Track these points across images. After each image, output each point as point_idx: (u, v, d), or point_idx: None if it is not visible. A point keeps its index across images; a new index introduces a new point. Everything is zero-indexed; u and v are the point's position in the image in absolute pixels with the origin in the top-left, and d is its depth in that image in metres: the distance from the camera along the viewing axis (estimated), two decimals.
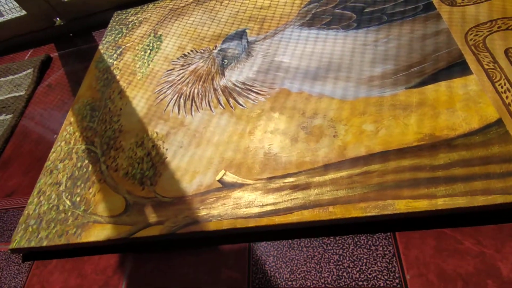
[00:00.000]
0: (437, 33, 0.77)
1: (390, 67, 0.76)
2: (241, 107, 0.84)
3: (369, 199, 0.59)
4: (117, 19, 1.37)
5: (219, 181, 0.73)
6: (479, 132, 0.60)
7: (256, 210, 0.65)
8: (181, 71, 1.02)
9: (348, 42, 0.85)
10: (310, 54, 0.87)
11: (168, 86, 1.00)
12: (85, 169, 0.89)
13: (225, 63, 0.97)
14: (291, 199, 0.64)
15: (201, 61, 1.02)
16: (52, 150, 0.99)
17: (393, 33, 0.82)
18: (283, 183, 0.67)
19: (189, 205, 0.71)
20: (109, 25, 1.35)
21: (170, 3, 1.29)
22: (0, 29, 1.53)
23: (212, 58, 1.01)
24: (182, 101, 0.94)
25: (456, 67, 0.70)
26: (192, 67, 1.01)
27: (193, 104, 0.91)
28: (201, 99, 0.91)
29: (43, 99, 1.27)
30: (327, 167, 0.66)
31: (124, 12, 1.38)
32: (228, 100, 0.87)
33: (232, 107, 0.85)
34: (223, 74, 0.95)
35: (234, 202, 0.68)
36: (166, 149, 0.84)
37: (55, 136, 1.09)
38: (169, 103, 0.95)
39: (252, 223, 0.63)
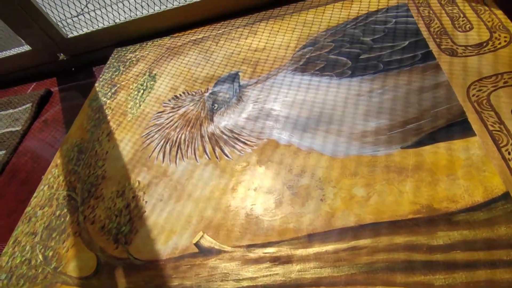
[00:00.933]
0: (436, 86, 0.71)
1: (384, 121, 0.70)
2: (226, 158, 0.79)
3: (357, 282, 0.52)
4: (116, 56, 1.38)
5: (195, 244, 0.67)
6: (483, 207, 0.53)
7: (231, 285, 0.58)
8: (170, 114, 0.99)
9: (341, 92, 0.80)
10: (301, 102, 0.82)
11: (156, 129, 0.96)
12: (62, 219, 0.85)
13: (215, 108, 0.94)
14: (270, 275, 0.57)
15: (192, 104, 0.99)
16: (35, 194, 0.96)
17: (389, 83, 0.77)
18: (263, 253, 0.60)
19: (161, 271, 0.65)
20: (108, 62, 1.36)
21: (168, 42, 1.29)
22: (5, 63, 1.57)
23: (202, 102, 0.97)
24: (168, 147, 0.90)
25: (456, 126, 0.63)
26: (182, 110, 0.98)
27: (179, 151, 0.87)
28: (187, 146, 0.87)
29: (38, 135, 1.27)
30: (311, 238, 0.59)
31: (124, 49, 1.39)
32: (214, 149, 0.83)
33: (217, 158, 0.80)
34: (212, 119, 0.91)
35: (209, 272, 0.61)
36: (146, 202, 0.79)
37: (42, 177, 1.06)
38: (155, 148, 0.91)
39: None
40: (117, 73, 1.27)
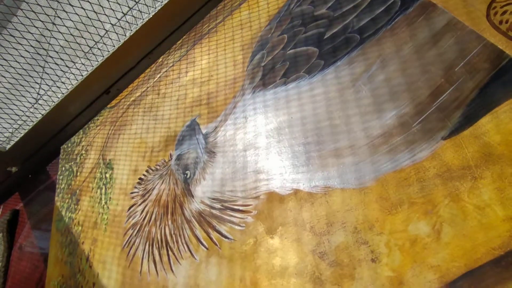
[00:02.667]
0: (441, 32, 0.51)
1: (401, 108, 0.50)
2: (227, 240, 0.60)
3: None
4: (64, 156, 1.18)
5: None
6: None
7: None
8: (142, 206, 0.80)
9: (321, 92, 0.60)
10: (277, 128, 0.63)
11: (135, 232, 0.77)
12: None
13: (188, 176, 0.74)
14: None
15: (161, 182, 0.79)
16: None
17: (373, 55, 0.56)
18: None
19: None
20: (59, 166, 1.17)
21: (108, 115, 1.10)
22: None
23: (170, 175, 0.78)
24: (155, 251, 0.70)
25: (505, 75, 0.43)
26: (153, 195, 0.79)
27: (169, 252, 0.68)
28: (177, 242, 0.68)
29: (17, 267, 1.10)
30: None
31: (69, 143, 1.20)
32: (208, 234, 0.63)
33: (216, 245, 0.61)
34: (190, 194, 0.71)
35: None
36: None
37: None
38: (142, 259, 0.72)
39: None
40: (71, 176, 1.08)
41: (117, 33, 1.00)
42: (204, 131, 0.77)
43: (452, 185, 0.41)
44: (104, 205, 0.90)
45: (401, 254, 0.42)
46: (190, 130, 0.80)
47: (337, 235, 0.48)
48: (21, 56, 1.01)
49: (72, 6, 0.92)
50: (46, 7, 0.95)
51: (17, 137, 1.24)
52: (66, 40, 1.02)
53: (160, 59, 1.04)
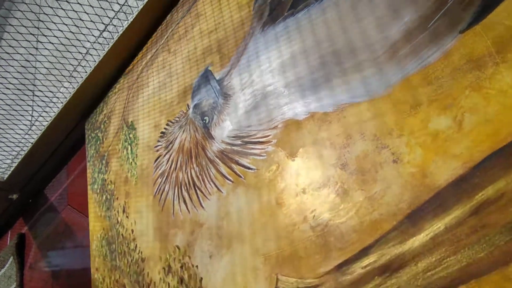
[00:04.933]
0: None
1: (412, 16, 0.48)
2: (250, 171, 0.62)
3: None
4: (89, 127, 1.24)
5: None
6: None
7: None
8: (167, 156, 0.83)
9: (333, 13, 0.59)
10: (291, 58, 0.62)
11: (164, 180, 0.81)
12: None
13: (207, 121, 0.76)
14: None
15: (182, 131, 0.82)
16: None
17: None
18: (362, 268, 0.43)
19: None
20: (86, 137, 1.23)
21: (125, 82, 1.13)
22: None
23: (190, 123, 0.80)
24: (185, 193, 0.74)
25: None
26: (176, 144, 0.82)
27: (198, 191, 0.72)
28: (203, 181, 0.71)
29: (29, 285, 1.26)
30: (413, 219, 0.41)
31: (93, 115, 1.25)
32: (232, 169, 0.66)
33: (241, 176, 0.64)
34: (211, 137, 0.74)
35: None
36: (197, 266, 0.65)
37: None
38: (173, 202, 0.76)
39: None
40: (98, 142, 1.14)
41: (97, 50, 1.06)
42: (217, 77, 0.78)
43: (472, 76, 0.41)
44: (131, 162, 0.95)
45: (423, 150, 0.42)
46: (204, 79, 0.82)
47: (357, 146, 0.49)
48: (10, 83, 1.08)
49: (51, 30, 0.99)
50: (27, 34, 1.01)
51: (12, 166, 1.33)
52: (50, 62, 1.09)
53: (164, 24, 1.04)
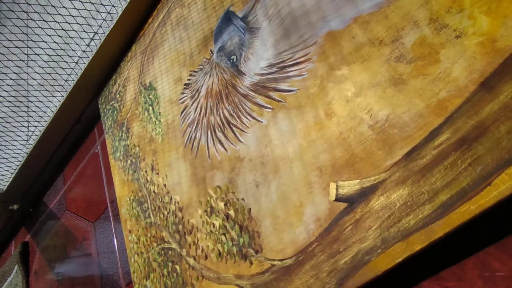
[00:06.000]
0: None
1: None
2: (291, 93, 0.60)
3: None
4: (103, 100, 1.21)
5: (336, 200, 0.49)
6: None
7: (427, 209, 0.40)
8: (195, 104, 0.81)
9: None
10: None
11: (194, 128, 0.79)
12: (174, 274, 0.72)
13: (235, 60, 0.74)
14: (470, 163, 0.38)
15: (208, 77, 0.80)
16: (132, 270, 0.84)
17: None
18: (434, 149, 0.41)
19: (323, 254, 0.48)
20: (101, 111, 1.20)
21: (137, 48, 1.10)
22: None
23: (216, 67, 0.78)
24: (219, 134, 0.72)
25: None
26: (203, 91, 0.80)
27: (234, 129, 0.69)
28: (238, 117, 0.69)
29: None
30: (487, 85, 0.39)
31: (105, 89, 1.22)
32: (270, 97, 0.64)
33: (281, 101, 0.61)
34: (241, 73, 0.71)
35: (381, 216, 0.44)
36: (243, 199, 0.63)
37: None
38: (207, 145, 0.74)
39: (441, 229, 0.38)
40: (115, 112, 1.11)
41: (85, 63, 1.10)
42: (240, 15, 0.75)
43: None
44: (155, 121, 0.92)
45: (489, 17, 0.40)
46: (225, 21, 0.79)
47: (411, 35, 0.47)
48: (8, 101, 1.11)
49: (41, 48, 1.04)
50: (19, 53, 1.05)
51: (10, 177, 1.32)
52: (43, 78, 1.14)
53: None
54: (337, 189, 0.49)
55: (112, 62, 1.21)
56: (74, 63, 1.16)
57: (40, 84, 1.22)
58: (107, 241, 1.01)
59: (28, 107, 1.25)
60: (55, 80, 1.19)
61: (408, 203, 0.42)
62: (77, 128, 1.32)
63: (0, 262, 1.57)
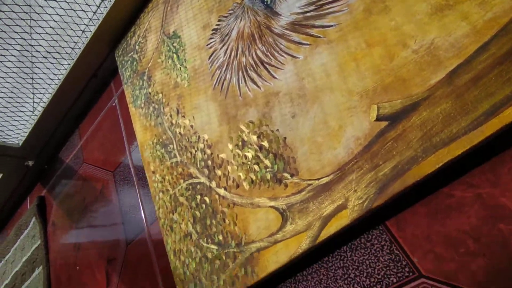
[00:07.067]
0: None
1: None
2: (331, 28, 0.62)
3: None
4: (120, 53, 1.21)
5: (378, 119, 0.52)
6: None
7: (470, 118, 0.44)
8: (225, 47, 0.82)
9: None
10: None
11: (223, 69, 0.81)
12: (203, 205, 0.74)
13: (268, 2, 0.75)
14: None
15: (239, 21, 0.81)
16: (156, 207, 0.86)
17: None
18: (480, 63, 0.44)
19: (361, 169, 0.52)
20: (118, 64, 1.20)
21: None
22: None
23: (248, 11, 0.79)
24: (252, 73, 0.74)
25: None
26: (234, 34, 0.81)
27: (267, 67, 0.71)
28: (273, 56, 0.71)
29: (53, 239, 1.29)
30: None
31: (123, 42, 1.22)
32: (308, 34, 0.66)
33: (320, 36, 0.64)
34: (276, 14, 0.73)
35: (423, 129, 0.47)
36: (278, 130, 0.65)
37: (77, 268, 1.02)
38: (238, 85, 0.76)
39: (483, 133, 0.42)
40: (134, 63, 1.11)
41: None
42: None
43: None
44: (180, 68, 0.93)
45: None
46: None
47: None
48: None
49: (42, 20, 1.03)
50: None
51: (26, 132, 1.32)
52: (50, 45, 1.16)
53: None
54: (378, 110, 0.52)
55: (129, 16, 1.20)
56: (84, 26, 1.15)
57: (49, 46, 1.20)
58: (127, 187, 1.02)
59: (44, 57, 1.24)
60: (65, 41, 1.18)
61: (452, 114, 0.45)
62: (93, 83, 1.31)
63: (16, 218, 1.58)
